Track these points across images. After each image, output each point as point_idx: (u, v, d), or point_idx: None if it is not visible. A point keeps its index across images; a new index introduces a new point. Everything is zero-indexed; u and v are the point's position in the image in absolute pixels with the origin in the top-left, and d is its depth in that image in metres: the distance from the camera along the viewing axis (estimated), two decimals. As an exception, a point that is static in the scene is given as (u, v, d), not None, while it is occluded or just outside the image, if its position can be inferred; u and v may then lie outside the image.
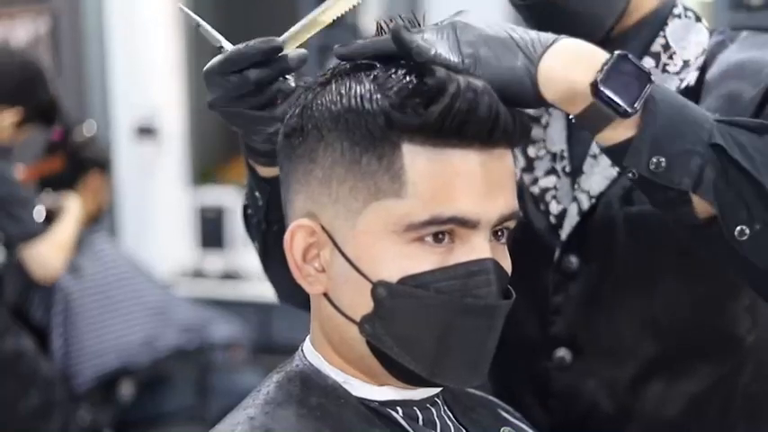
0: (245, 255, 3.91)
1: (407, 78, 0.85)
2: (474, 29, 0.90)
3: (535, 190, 1.17)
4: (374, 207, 0.85)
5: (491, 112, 0.83)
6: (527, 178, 1.18)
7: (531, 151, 1.19)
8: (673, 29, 1.14)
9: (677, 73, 1.12)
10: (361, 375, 0.90)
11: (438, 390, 0.94)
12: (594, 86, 0.87)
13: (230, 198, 4.02)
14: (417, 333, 0.86)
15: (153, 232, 4.17)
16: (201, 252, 4.05)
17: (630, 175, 0.91)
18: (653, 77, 0.89)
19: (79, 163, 3.03)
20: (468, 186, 0.84)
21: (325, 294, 0.89)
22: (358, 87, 0.86)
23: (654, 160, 0.88)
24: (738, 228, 0.89)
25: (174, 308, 3.02)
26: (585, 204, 1.13)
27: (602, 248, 1.13)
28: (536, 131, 1.19)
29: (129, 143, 4.11)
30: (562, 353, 1.16)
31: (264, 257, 1.26)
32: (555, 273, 1.14)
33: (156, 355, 2.91)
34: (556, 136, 1.18)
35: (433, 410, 0.93)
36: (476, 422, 0.97)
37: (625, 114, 0.87)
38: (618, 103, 0.87)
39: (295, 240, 0.89)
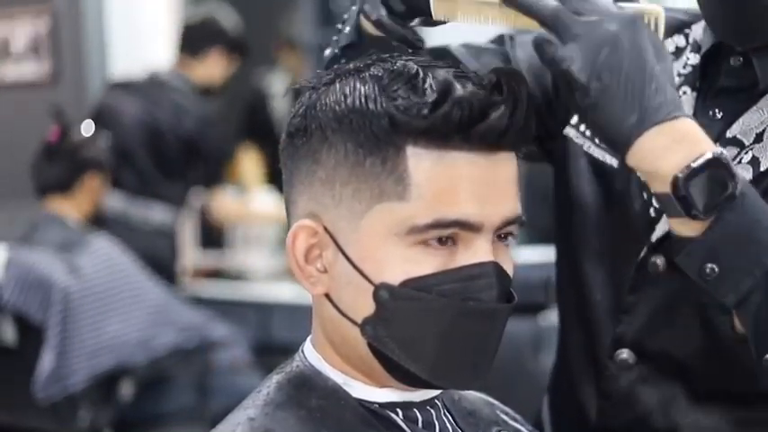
0: (245, 255, 3.91)
1: (412, 80, 0.84)
2: (625, 55, 0.86)
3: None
4: (377, 209, 0.85)
5: (496, 117, 0.83)
6: None
7: None
8: None
9: None
10: (361, 376, 0.90)
11: (438, 392, 0.94)
12: (675, 182, 0.85)
13: (231, 197, 4.01)
14: (419, 335, 0.86)
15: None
16: (201, 252, 4.04)
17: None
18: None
19: (77, 163, 3.02)
20: (472, 190, 0.84)
21: (327, 295, 0.89)
22: (362, 88, 0.85)
23: (708, 266, 0.87)
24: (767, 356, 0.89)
25: (173, 308, 3.02)
26: None
27: None
28: None
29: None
30: (625, 354, 1.10)
31: None
32: (637, 271, 1.08)
33: (153, 355, 2.91)
34: None
35: (433, 412, 0.93)
36: (475, 424, 0.97)
37: (695, 218, 0.86)
38: (691, 207, 0.86)
39: (297, 241, 0.88)
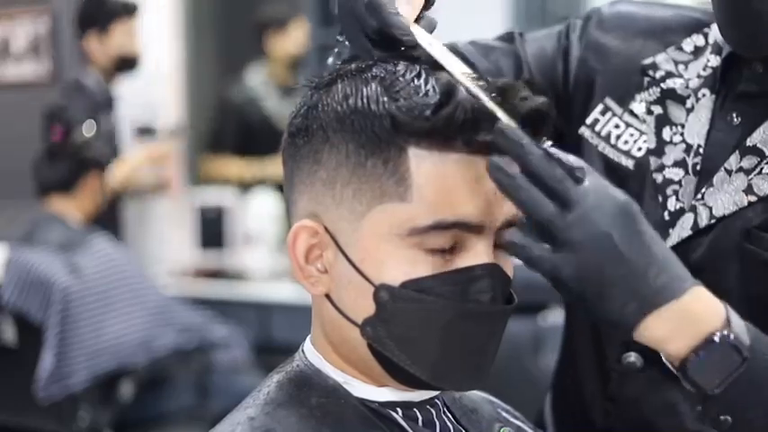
0: (245, 255, 3.91)
1: (415, 81, 0.84)
2: (621, 252, 0.81)
3: (658, 178, 1.09)
4: (378, 210, 0.84)
5: (497, 118, 0.82)
6: (653, 162, 1.10)
7: (666, 133, 1.11)
8: None
9: None
10: (361, 376, 0.90)
11: (438, 391, 0.94)
12: (683, 366, 0.84)
13: (230, 198, 4.01)
14: (419, 337, 0.86)
15: (153, 232, 4.17)
16: (201, 252, 4.04)
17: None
18: None
19: (80, 163, 3.03)
20: (474, 192, 0.83)
21: (327, 295, 0.89)
22: (365, 88, 0.85)
23: (722, 417, 0.87)
24: None
25: (173, 308, 3.02)
26: (704, 221, 1.05)
27: (703, 269, 1.03)
28: (677, 112, 1.11)
29: (129, 143, 4.11)
30: (633, 358, 1.10)
31: None
32: None
33: (153, 355, 2.91)
34: (696, 126, 1.09)
35: (433, 411, 0.93)
36: (475, 423, 0.97)
37: (705, 394, 0.85)
38: (700, 386, 0.85)
39: (298, 241, 0.88)
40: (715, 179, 1.06)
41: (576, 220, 0.80)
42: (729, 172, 1.06)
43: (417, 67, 0.86)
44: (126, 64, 3.67)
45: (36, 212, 3.03)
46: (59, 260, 2.84)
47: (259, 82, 4.36)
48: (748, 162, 1.05)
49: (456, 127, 0.82)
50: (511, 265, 0.90)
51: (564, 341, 1.25)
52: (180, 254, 4.17)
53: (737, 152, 1.05)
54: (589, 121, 1.15)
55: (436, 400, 0.94)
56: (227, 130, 4.42)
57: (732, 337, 0.84)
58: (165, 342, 2.93)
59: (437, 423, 0.92)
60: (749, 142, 1.05)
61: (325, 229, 0.87)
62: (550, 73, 1.17)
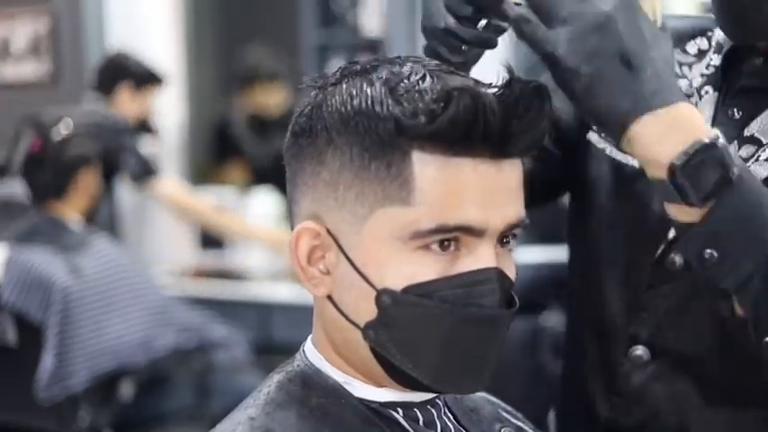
0: (245, 255, 3.91)
1: (419, 84, 0.84)
2: (618, 38, 0.83)
3: None
4: (380, 213, 0.84)
5: (503, 124, 0.82)
6: None
7: None
8: None
9: None
10: (361, 377, 0.90)
11: (439, 393, 0.94)
12: (671, 170, 0.85)
13: (230, 198, 4.01)
14: (421, 341, 0.86)
15: (153, 232, 4.17)
16: (201, 252, 4.04)
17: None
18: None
19: (66, 166, 2.97)
20: (477, 195, 0.83)
21: (329, 297, 0.89)
22: (369, 90, 0.85)
23: (707, 252, 0.86)
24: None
25: (173, 308, 3.02)
26: None
27: None
28: None
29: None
30: (640, 351, 1.11)
31: None
32: (654, 267, 1.09)
33: (153, 355, 2.91)
34: None
35: (434, 411, 0.93)
36: (476, 423, 0.97)
37: (693, 205, 0.85)
38: (688, 194, 0.85)
39: (300, 242, 0.88)
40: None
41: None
42: None
43: (423, 70, 0.86)
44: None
45: (35, 216, 3.01)
46: (59, 260, 2.84)
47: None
48: (746, 151, 1.05)
49: (460, 131, 0.81)
50: (513, 268, 0.90)
51: (567, 339, 1.25)
52: (180, 254, 4.16)
53: (736, 143, 1.06)
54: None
55: (437, 401, 0.94)
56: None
57: (721, 143, 0.85)
58: (165, 342, 2.93)
59: (438, 423, 0.92)
60: (747, 132, 1.06)
61: (328, 231, 0.87)
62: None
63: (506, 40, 0.96)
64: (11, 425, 2.91)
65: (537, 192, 0.97)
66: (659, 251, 1.08)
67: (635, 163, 1.10)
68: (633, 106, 0.85)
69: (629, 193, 1.11)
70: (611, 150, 1.14)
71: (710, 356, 1.09)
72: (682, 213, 0.88)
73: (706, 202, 0.85)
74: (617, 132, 0.87)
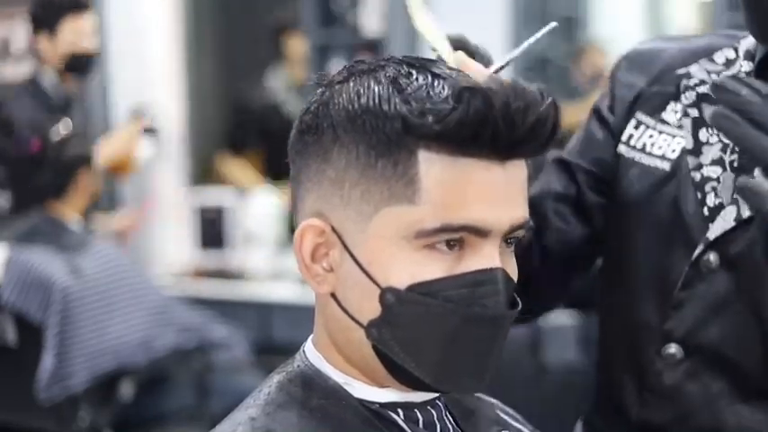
0: (245, 255, 3.91)
1: (427, 83, 0.84)
2: None
3: (696, 176, 1.13)
4: (386, 212, 0.84)
5: (509, 124, 0.81)
6: (691, 161, 1.14)
7: (703, 134, 1.15)
8: None
9: None
10: (362, 377, 0.90)
11: (440, 393, 0.94)
12: None
13: (230, 198, 4.02)
14: (423, 339, 0.86)
15: (153, 232, 4.17)
16: (201, 252, 4.05)
17: None
18: None
19: (66, 167, 2.98)
20: (482, 195, 0.83)
21: (333, 295, 0.89)
22: (377, 88, 0.85)
23: None
24: None
25: (173, 308, 3.02)
26: (746, 212, 1.08)
27: (748, 260, 1.09)
28: None
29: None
30: (673, 349, 1.13)
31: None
32: (690, 267, 1.11)
33: (153, 355, 2.91)
34: None
35: (434, 413, 0.93)
36: (476, 424, 0.97)
37: None
38: None
39: (305, 240, 0.88)
40: (756, 173, 1.08)
41: None
42: None
43: (430, 70, 0.86)
44: (78, 63, 3.42)
45: (34, 216, 3.01)
46: (59, 260, 2.84)
47: (280, 85, 4.38)
48: None
49: (467, 131, 0.81)
50: (515, 268, 0.90)
51: (599, 344, 1.27)
52: (180, 254, 4.17)
53: None
54: (624, 137, 1.20)
55: (438, 402, 0.94)
56: (248, 131, 4.43)
57: None
58: (165, 342, 2.93)
59: (438, 425, 0.93)
60: None
61: (332, 228, 0.87)
62: (604, 143, 1.23)
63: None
64: (11, 425, 2.91)
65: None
66: (697, 252, 1.10)
67: (665, 166, 1.14)
68: None
69: (660, 197, 1.14)
70: (640, 157, 1.18)
71: (744, 355, 1.10)
72: None
73: None
74: None
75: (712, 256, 1.09)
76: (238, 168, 4.41)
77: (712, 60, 1.17)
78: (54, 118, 3.11)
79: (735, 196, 1.10)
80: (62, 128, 3.01)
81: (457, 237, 0.84)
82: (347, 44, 3.84)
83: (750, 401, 1.10)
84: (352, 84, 0.87)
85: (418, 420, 0.91)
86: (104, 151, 3.49)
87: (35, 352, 2.75)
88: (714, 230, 1.09)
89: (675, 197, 1.12)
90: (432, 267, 0.84)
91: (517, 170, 0.86)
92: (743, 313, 1.09)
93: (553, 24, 1.07)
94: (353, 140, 0.85)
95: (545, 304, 1.35)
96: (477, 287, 0.85)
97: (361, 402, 0.89)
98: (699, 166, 1.13)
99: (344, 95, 0.86)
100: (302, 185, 0.90)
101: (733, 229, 1.09)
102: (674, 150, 1.16)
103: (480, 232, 0.84)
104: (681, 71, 1.18)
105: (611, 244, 1.23)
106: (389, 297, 0.84)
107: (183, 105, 4.35)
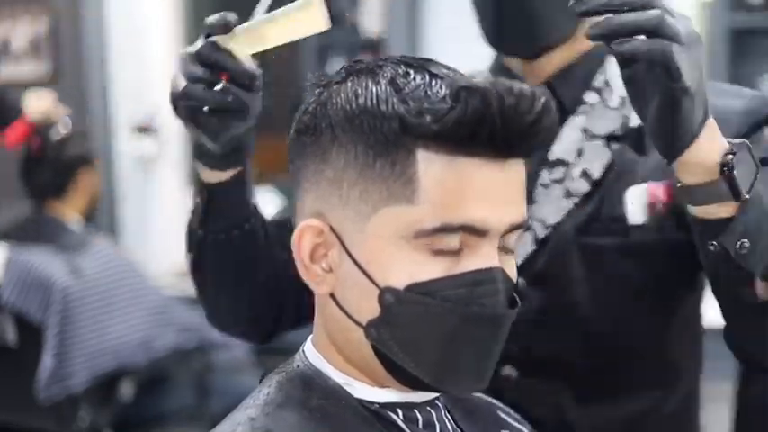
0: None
1: (425, 83, 0.84)
2: (702, 62, 0.92)
3: None
4: (384, 212, 0.84)
5: (507, 123, 0.81)
6: None
7: None
8: (611, 65, 1.20)
9: (617, 108, 1.20)
10: (362, 377, 0.90)
11: (439, 393, 0.94)
12: (725, 166, 0.92)
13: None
14: (423, 340, 0.86)
15: (153, 232, 4.17)
16: (201, 252, 4.03)
17: (711, 247, 0.96)
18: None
19: (66, 166, 2.97)
20: (481, 195, 0.83)
21: (332, 295, 0.89)
22: (375, 88, 0.85)
23: (742, 242, 0.95)
24: None
25: (173, 308, 3.02)
26: (541, 233, 1.19)
27: (554, 275, 1.18)
28: None
29: (129, 143, 4.11)
30: (508, 370, 1.22)
31: (196, 271, 1.29)
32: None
33: (153, 355, 2.91)
34: None
35: (433, 413, 0.93)
36: (475, 424, 0.97)
37: (738, 198, 0.93)
38: (738, 189, 0.93)
39: (303, 240, 0.88)
40: (536, 195, 1.21)
41: (680, 20, 0.89)
42: (546, 186, 1.21)
43: (428, 69, 0.86)
44: None
45: (35, 216, 3.01)
46: (59, 260, 2.84)
47: None
48: (558, 173, 1.20)
49: (465, 131, 0.81)
50: (515, 268, 0.90)
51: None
52: (180, 254, 4.16)
53: (545, 168, 1.20)
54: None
55: (437, 402, 0.94)
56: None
57: (748, 143, 0.95)
58: (165, 342, 2.93)
59: (437, 425, 0.93)
60: (551, 157, 1.20)
61: (331, 228, 0.87)
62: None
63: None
64: (11, 425, 2.91)
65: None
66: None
67: None
68: (704, 115, 0.93)
69: None
70: None
71: (573, 364, 1.21)
72: (717, 211, 0.95)
73: (748, 194, 0.93)
74: (690, 140, 0.93)
75: (521, 280, 1.15)
76: None
77: None
78: None
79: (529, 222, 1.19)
80: (62, 128, 3.01)
81: (456, 237, 0.84)
82: (347, 44, 3.83)
83: (593, 404, 1.21)
84: (350, 84, 0.87)
85: (418, 420, 0.91)
86: None
87: (35, 352, 2.75)
88: (518, 257, 1.17)
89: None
90: (430, 267, 0.84)
91: (516, 170, 0.86)
92: (564, 328, 1.19)
93: None
94: (352, 140, 0.85)
95: None
96: (476, 287, 0.85)
97: (361, 402, 0.89)
98: None
99: (342, 96, 0.86)
100: (300, 186, 0.90)
101: (534, 252, 1.17)
102: None
103: (479, 232, 0.84)
104: None
105: None
106: (388, 297, 0.84)
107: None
